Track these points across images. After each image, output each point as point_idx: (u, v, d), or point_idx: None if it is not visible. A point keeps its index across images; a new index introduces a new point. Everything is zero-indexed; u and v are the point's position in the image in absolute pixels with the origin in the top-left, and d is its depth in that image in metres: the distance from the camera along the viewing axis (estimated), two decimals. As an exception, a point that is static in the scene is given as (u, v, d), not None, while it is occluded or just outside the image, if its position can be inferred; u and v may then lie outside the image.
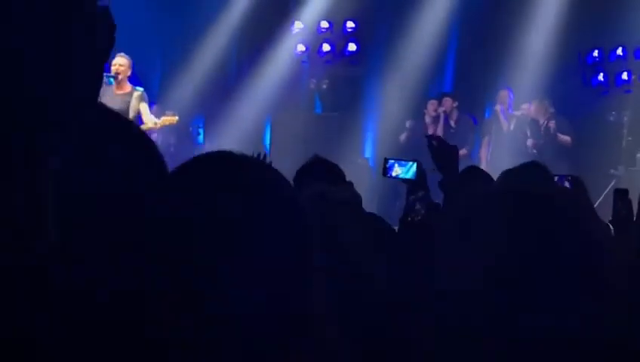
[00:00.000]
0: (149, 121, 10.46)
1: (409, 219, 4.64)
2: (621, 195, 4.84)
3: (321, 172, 4.82)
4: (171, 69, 15.30)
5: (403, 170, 5.38)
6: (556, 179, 5.12)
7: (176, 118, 10.97)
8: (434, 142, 4.86)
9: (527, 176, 4.52)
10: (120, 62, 10.38)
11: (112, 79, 10.27)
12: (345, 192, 3.16)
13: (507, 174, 4.66)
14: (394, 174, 5.41)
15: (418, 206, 4.73)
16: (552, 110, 12.96)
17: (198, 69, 15.17)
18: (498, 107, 13.43)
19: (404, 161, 5.32)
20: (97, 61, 1.46)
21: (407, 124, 14.06)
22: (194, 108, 14.89)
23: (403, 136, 13.99)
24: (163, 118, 10.81)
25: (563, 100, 13.32)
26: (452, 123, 13.89)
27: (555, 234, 1.82)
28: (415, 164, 5.04)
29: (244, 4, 15.51)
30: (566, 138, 12.84)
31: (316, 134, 14.43)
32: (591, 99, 13.77)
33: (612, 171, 12.70)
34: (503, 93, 13.48)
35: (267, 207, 1.67)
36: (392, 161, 5.44)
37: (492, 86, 13.96)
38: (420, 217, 4.67)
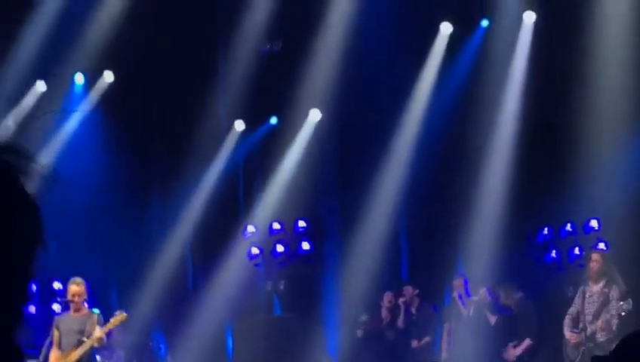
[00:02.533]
0: (99, 331, 10.67)
1: None
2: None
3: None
4: (128, 285, 15.22)
5: None
6: None
7: (125, 314, 11.15)
8: None
9: None
10: (77, 292, 10.80)
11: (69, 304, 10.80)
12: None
13: None
14: None
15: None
16: (520, 294, 13.00)
17: (155, 282, 15.11)
18: (455, 294, 13.48)
19: None
20: None
21: (361, 319, 14.14)
22: (153, 323, 14.73)
23: (359, 332, 14.03)
24: (112, 320, 10.91)
25: (520, 280, 13.37)
26: (413, 310, 13.93)
27: None
28: None
29: (195, 212, 15.64)
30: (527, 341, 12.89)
31: (278, 336, 14.31)
32: (547, 276, 13.86)
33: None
34: (458, 281, 13.57)
35: None
36: None
37: (448, 273, 14.05)
38: None
